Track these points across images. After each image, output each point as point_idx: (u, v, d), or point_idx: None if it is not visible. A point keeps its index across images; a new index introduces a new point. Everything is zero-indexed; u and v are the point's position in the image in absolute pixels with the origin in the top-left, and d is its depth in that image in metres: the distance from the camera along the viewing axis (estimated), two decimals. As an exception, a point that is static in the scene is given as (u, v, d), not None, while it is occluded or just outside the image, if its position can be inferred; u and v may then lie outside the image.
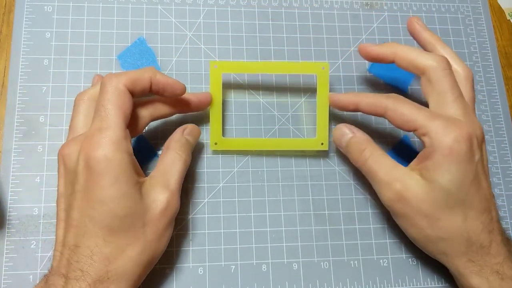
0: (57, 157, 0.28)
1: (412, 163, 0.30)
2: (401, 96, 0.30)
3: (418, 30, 0.33)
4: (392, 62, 0.32)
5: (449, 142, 0.27)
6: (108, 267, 0.25)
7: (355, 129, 0.33)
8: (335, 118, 0.36)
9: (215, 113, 0.34)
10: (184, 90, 0.30)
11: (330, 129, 0.35)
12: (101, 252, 0.25)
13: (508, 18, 0.41)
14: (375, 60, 0.33)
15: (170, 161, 0.29)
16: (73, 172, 0.26)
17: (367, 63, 0.38)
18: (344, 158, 0.35)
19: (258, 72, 0.35)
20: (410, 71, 0.31)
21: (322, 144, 0.34)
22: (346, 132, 0.32)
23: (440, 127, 0.28)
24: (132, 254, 0.26)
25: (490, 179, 0.36)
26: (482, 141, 0.29)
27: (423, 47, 0.33)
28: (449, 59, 0.30)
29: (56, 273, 0.25)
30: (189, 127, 0.32)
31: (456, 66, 0.31)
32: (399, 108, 0.29)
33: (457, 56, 0.32)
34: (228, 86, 0.36)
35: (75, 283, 0.25)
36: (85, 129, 0.28)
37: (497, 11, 0.41)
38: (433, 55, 0.30)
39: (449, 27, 0.40)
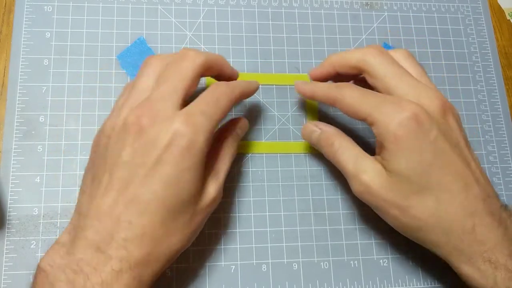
0: (124, 118, 0.25)
1: (376, 152, 0.29)
2: (352, 85, 0.29)
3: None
4: (336, 73, 0.31)
5: (393, 129, 0.26)
6: (153, 250, 0.24)
7: (321, 125, 0.32)
8: (325, 121, 0.36)
9: None
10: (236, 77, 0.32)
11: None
12: (154, 233, 0.24)
13: (508, 18, 0.41)
14: (321, 80, 0.32)
15: (222, 152, 0.29)
16: (151, 143, 0.24)
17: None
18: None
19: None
20: (353, 74, 0.30)
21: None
22: (314, 129, 0.32)
23: (383, 114, 0.26)
24: (175, 241, 0.25)
25: (490, 179, 0.36)
26: (442, 113, 0.27)
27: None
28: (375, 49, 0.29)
29: (88, 246, 0.23)
30: (242, 120, 0.32)
31: (390, 52, 0.30)
32: (346, 99, 0.28)
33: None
34: (228, 86, 0.36)
35: (116, 263, 0.23)
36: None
37: (497, 11, 0.41)
38: (360, 49, 0.29)
39: (449, 27, 0.40)
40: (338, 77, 0.32)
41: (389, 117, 0.26)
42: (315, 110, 0.36)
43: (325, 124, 0.32)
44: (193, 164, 0.25)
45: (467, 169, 0.26)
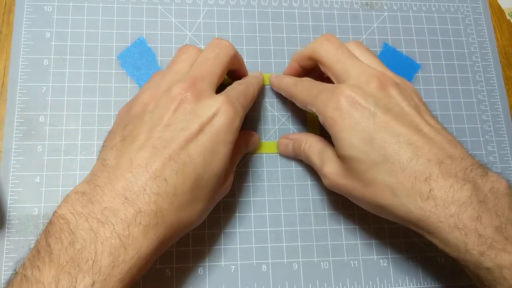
0: (167, 89, 0.27)
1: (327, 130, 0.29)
2: (306, 79, 0.31)
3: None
4: (303, 69, 0.33)
5: (329, 114, 0.27)
6: (178, 213, 0.24)
7: (291, 135, 0.34)
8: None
9: None
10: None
11: (323, 133, 0.35)
12: (183, 195, 0.24)
13: (508, 18, 0.41)
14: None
15: (236, 150, 0.30)
16: (195, 113, 0.26)
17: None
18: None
19: None
20: (315, 66, 0.31)
21: None
22: (286, 142, 0.34)
23: (320, 103, 0.28)
24: (195, 210, 0.25)
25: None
26: (380, 88, 0.27)
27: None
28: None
29: (116, 196, 0.23)
30: (256, 136, 0.34)
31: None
32: (298, 95, 0.31)
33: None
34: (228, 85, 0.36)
35: (145, 217, 0.23)
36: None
37: (497, 11, 0.41)
38: (314, 40, 0.31)
39: (449, 27, 0.40)
40: (307, 73, 0.33)
41: (325, 103, 0.27)
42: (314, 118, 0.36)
43: (295, 133, 0.34)
44: (229, 141, 0.26)
45: (416, 135, 0.25)
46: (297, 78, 0.33)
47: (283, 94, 0.34)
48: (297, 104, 0.31)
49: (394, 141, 0.25)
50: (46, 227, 0.23)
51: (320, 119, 0.28)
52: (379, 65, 0.29)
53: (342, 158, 0.27)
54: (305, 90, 0.30)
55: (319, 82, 0.30)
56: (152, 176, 0.24)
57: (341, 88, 0.27)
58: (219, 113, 0.26)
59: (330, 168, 0.28)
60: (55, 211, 0.23)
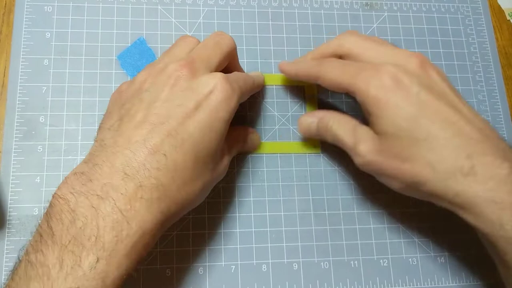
0: (163, 67, 0.27)
1: (366, 123, 0.29)
2: (332, 59, 0.30)
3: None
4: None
5: (372, 93, 0.26)
6: (179, 188, 0.24)
7: (316, 113, 0.32)
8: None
9: None
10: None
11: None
12: (183, 171, 0.24)
13: (508, 18, 0.41)
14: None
15: (236, 137, 0.31)
16: (192, 89, 0.26)
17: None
18: (344, 158, 0.35)
19: None
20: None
21: (315, 147, 0.35)
22: (311, 121, 0.32)
23: (362, 81, 0.27)
24: (195, 187, 0.25)
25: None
26: (421, 68, 0.27)
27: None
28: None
29: (115, 172, 0.23)
30: (256, 134, 0.34)
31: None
32: (327, 74, 0.29)
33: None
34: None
35: (147, 191, 0.23)
36: None
37: (497, 11, 0.41)
38: (334, 39, 0.31)
39: (449, 27, 0.40)
40: None
41: (367, 82, 0.27)
42: (314, 109, 0.36)
43: (320, 110, 0.33)
44: (225, 118, 0.26)
45: (457, 115, 0.26)
46: (318, 59, 0.31)
47: (301, 79, 0.32)
48: (324, 86, 0.30)
49: (437, 119, 0.25)
50: (47, 210, 0.23)
51: (359, 98, 0.27)
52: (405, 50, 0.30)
53: (382, 135, 0.27)
54: (338, 70, 0.29)
55: (350, 61, 0.29)
56: (151, 151, 0.23)
57: (385, 66, 0.27)
58: (216, 89, 0.26)
59: (366, 146, 0.28)
60: (54, 193, 0.23)
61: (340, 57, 0.31)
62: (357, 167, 0.29)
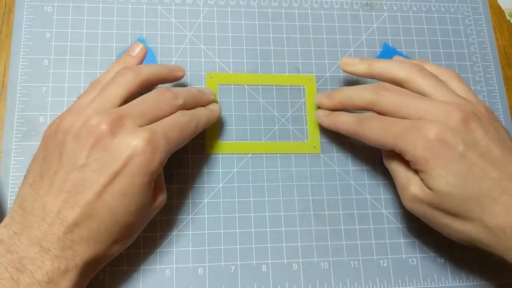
0: (86, 119, 0.26)
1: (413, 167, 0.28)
2: (372, 117, 0.30)
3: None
4: (370, 77, 0.32)
5: (420, 154, 0.27)
6: (98, 253, 0.25)
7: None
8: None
9: None
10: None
11: (323, 133, 0.35)
12: (100, 238, 0.25)
13: (508, 18, 0.41)
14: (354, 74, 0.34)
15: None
16: (111, 154, 0.25)
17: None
18: (344, 158, 0.35)
19: (251, 83, 0.36)
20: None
21: (314, 147, 0.35)
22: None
23: (407, 143, 0.27)
24: (118, 247, 0.27)
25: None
26: (464, 124, 0.27)
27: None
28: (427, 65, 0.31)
29: (32, 244, 0.23)
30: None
31: (437, 69, 0.31)
32: (369, 134, 0.29)
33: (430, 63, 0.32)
34: (228, 86, 0.36)
35: (63, 262, 0.23)
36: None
37: (497, 11, 0.41)
38: (368, 90, 0.30)
39: (449, 27, 0.40)
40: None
41: (413, 144, 0.27)
42: (315, 111, 0.36)
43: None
44: (147, 182, 0.26)
45: (503, 173, 0.26)
46: (357, 114, 0.31)
47: (340, 132, 0.32)
48: (367, 143, 0.30)
49: (486, 178, 0.26)
50: None
51: (408, 157, 0.28)
52: (445, 90, 0.29)
53: (434, 190, 0.27)
54: (380, 130, 0.29)
55: (391, 118, 0.29)
56: (65, 224, 0.24)
57: (426, 126, 0.27)
58: (135, 154, 0.25)
59: (418, 192, 0.28)
60: None
61: (400, 82, 0.30)
62: (404, 204, 0.30)
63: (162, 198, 0.29)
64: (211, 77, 0.35)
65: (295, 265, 0.32)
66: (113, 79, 0.28)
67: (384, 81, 0.31)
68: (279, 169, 0.34)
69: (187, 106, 0.30)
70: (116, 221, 0.25)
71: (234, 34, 0.37)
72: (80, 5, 0.36)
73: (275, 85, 0.36)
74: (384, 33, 0.39)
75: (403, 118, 0.28)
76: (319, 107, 0.34)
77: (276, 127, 0.35)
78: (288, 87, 0.36)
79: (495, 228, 0.26)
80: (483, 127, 0.27)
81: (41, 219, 0.24)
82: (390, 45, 0.38)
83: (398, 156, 0.29)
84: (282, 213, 0.33)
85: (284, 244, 0.33)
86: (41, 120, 0.33)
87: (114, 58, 0.35)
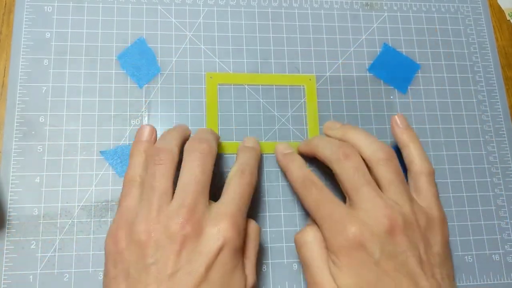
0: (165, 226, 0.25)
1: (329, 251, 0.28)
2: (321, 189, 0.29)
3: (396, 132, 0.32)
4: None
5: (337, 248, 0.26)
6: None
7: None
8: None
9: (211, 121, 0.34)
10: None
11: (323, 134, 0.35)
12: None
13: (508, 18, 0.41)
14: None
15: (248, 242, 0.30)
16: (200, 251, 0.25)
17: (367, 63, 0.38)
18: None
19: (251, 83, 0.36)
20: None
21: None
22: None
23: (330, 230, 0.27)
24: None
25: (490, 179, 0.36)
26: (388, 233, 0.26)
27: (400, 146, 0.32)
28: (416, 155, 0.30)
29: None
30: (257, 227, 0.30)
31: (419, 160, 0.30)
32: (304, 200, 0.30)
33: (424, 153, 0.31)
34: (228, 86, 0.36)
35: None
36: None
37: (497, 11, 0.41)
38: (331, 147, 0.30)
39: (449, 27, 0.40)
40: None
41: (334, 234, 0.27)
42: (315, 111, 0.36)
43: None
44: (239, 262, 0.26)
45: (412, 287, 0.25)
46: (306, 173, 0.30)
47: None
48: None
49: (397, 282, 0.25)
50: None
51: (326, 240, 0.27)
52: (398, 189, 0.28)
53: (339, 286, 0.26)
54: (314, 202, 0.29)
55: (329, 195, 0.28)
56: None
57: (351, 223, 0.26)
58: (226, 245, 0.25)
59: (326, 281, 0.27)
60: None
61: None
62: None
63: (252, 277, 0.28)
64: (211, 77, 0.35)
65: (295, 265, 0.32)
66: (151, 175, 0.27)
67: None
68: (279, 169, 0.34)
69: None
70: None
71: (234, 34, 0.37)
72: (80, 5, 0.36)
73: (275, 85, 0.36)
74: (384, 33, 0.39)
75: (346, 191, 0.28)
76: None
77: (276, 127, 0.35)
78: (288, 87, 0.36)
79: None
80: (410, 241, 0.26)
81: None
82: (390, 45, 0.38)
83: (318, 245, 0.28)
84: (282, 213, 0.33)
85: (284, 244, 0.33)
86: (41, 120, 0.33)
87: (114, 58, 0.35)
